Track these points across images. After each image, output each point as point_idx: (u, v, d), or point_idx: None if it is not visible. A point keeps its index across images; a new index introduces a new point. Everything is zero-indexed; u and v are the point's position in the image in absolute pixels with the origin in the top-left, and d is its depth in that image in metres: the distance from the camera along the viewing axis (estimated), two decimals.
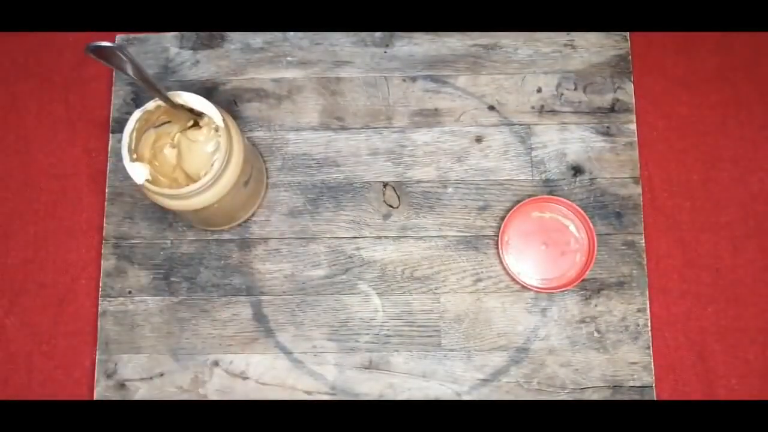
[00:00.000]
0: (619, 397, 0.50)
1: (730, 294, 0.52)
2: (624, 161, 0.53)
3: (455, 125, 0.54)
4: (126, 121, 0.45)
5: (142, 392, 0.51)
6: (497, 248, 0.52)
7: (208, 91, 0.55)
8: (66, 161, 0.55)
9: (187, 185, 0.44)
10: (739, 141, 0.55)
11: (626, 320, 0.51)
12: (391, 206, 0.53)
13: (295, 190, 0.54)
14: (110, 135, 0.55)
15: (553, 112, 0.54)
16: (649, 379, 0.50)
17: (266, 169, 0.54)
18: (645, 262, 0.52)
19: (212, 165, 0.45)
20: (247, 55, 0.56)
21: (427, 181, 0.54)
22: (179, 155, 0.47)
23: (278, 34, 0.56)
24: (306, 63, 0.56)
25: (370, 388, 0.51)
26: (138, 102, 0.55)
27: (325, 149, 0.54)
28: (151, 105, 0.45)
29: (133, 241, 0.53)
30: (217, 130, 0.46)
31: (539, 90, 0.55)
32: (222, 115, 0.45)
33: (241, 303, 0.52)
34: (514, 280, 0.52)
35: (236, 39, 0.56)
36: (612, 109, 0.54)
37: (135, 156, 0.45)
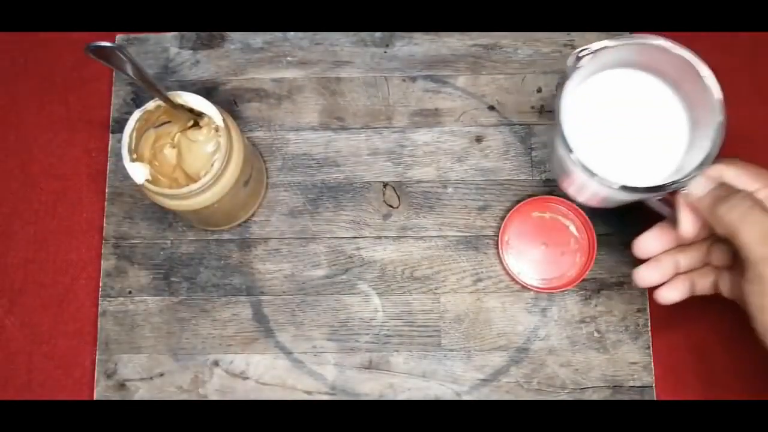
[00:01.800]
0: (619, 397, 0.50)
1: None
2: None
3: (455, 125, 0.54)
4: (126, 121, 0.45)
5: (142, 392, 0.51)
6: (497, 248, 0.52)
7: (208, 91, 0.55)
8: (66, 161, 0.55)
9: (187, 185, 0.44)
10: (739, 141, 0.55)
11: (626, 320, 0.51)
12: (391, 206, 0.53)
13: (295, 190, 0.54)
14: (110, 135, 0.55)
15: (554, 112, 0.54)
16: (649, 379, 0.50)
17: (266, 169, 0.54)
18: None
19: (212, 165, 0.45)
20: (247, 55, 0.56)
21: (427, 181, 0.54)
22: (179, 155, 0.47)
23: (278, 34, 0.56)
24: (306, 63, 0.56)
25: (370, 388, 0.51)
26: (138, 102, 0.55)
27: (325, 149, 0.54)
28: (151, 105, 0.45)
29: (133, 241, 0.53)
30: (217, 130, 0.46)
31: (539, 90, 0.55)
32: (222, 115, 0.45)
33: (241, 303, 0.52)
34: (514, 280, 0.52)
35: (236, 39, 0.56)
36: None
37: (135, 156, 0.45)
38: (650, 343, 0.51)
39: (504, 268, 0.52)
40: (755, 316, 0.37)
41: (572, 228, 0.52)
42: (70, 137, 0.56)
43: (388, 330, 0.52)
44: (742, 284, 0.37)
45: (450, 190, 0.53)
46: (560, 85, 0.40)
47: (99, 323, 0.52)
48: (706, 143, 0.39)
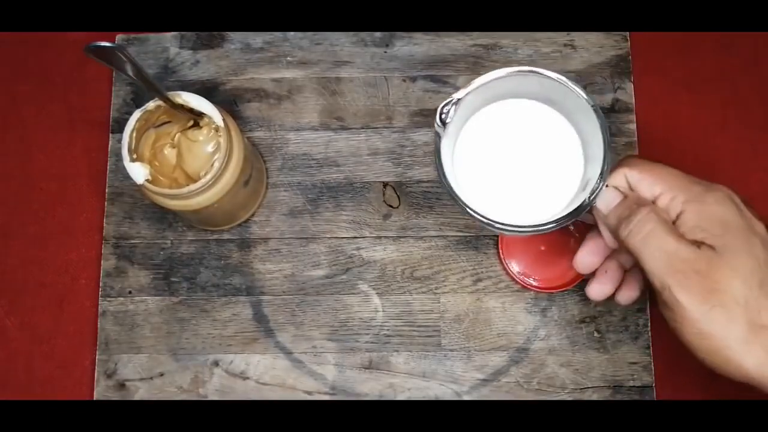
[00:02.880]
0: (619, 397, 0.50)
1: None
2: None
3: None
4: (126, 121, 0.45)
5: (141, 392, 0.51)
6: (497, 248, 0.52)
7: (208, 91, 0.55)
8: (66, 161, 0.55)
9: (187, 185, 0.44)
10: (739, 141, 0.55)
11: (626, 320, 0.51)
12: (391, 206, 0.53)
13: (295, 190, 0.54)
14: (110, 135, 0.55)
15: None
16: (649, 379, 0.50)
17: (266, 169, 0.54)
18: None
19: (212, 165, 0.45)
20: (247, 55, 0.56)
21: (427, 181, 0.54)
22: (179, 155, 0.47)
23: (278, 34, 0.56)
24: (306, 63, 0.56)
25: (370, 388, 0.51)
26: (138, 102, 0.55)
27: (325, 149, 0.54)
28: (151, 105, 0.45)
29: (133, 241, 0.53)
30: (217, 130, 0.46)
31: None
32: (222, 115, 0.45)
33: (241, 303, 0.52)
34: (514, 280, 0.52)
35: (236, 39, 0.56)
36: (612, 109, 0.54)
37: (135, 156, 0.45)
38: (650, 343, 0.51)
39: (504, 268, 0.52)
40: (677, 335, 0.36)
41: (572, 227, 0.52)
42: (70, 137, 0.56)
43: (388, 330, 0.52)
44: (658, 305, 0.36)
45: None
46: (436, 143, 0.38)
47: (99, 323, 0.52)
48: (598, 153, 0.37)
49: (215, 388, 0.51)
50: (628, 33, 0.55)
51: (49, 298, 0.53)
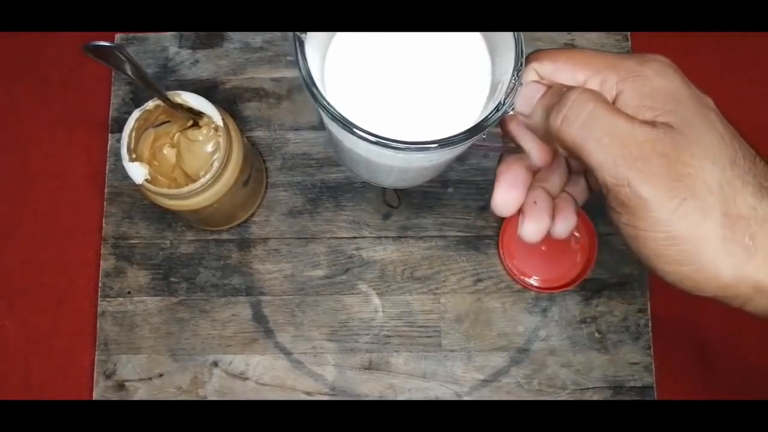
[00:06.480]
0: (620, 397, 0.50)
1: None
2: None
3: None
4: (125, 120, 0.45)
5: (141, 393, 0.51)
6: (498, 248, 0.52)
7: (207, 90, 0.55)
8: (64, 161, 0.55)
9: (187, 185, 0.44)
10: None
11: (627, 320, 0.51)
12: (391, 206, 0.53)
13: (295, 190, 0.54)
14: (109, 135, 0.55)
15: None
16: (649, 379, 0.50)
17: (266, 168, 0.54)
18: None
19: (211, 165, 0.44)
20: (247, 55, 0.56)
21: (427, 181, 0.53)
22: (178, 155, 0.47)
23: (277, 33, 0.56)
24: None
25: (370, 388, 0.51)
26: (137, 101, 0.55)
27: (324, 149, 0.54)
28: (150, 104, 0.45)
29: (132, 241, 0.53)
30: (216, 129, 0.46)
31: None
32: (221, 115, 0.45)
33: (240, 303, 0.52)
34: (514, 280, 0.51)
35: (235, 38, 0.56)
36: None
37: (134, 156, 0.45)
38: (651, 344, 0.51)
39: (504, 269, 0.52)
40: (630, 245, 0.29)
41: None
42: (69, 137, 0.55)
43: (388, 330, 0.51)
44: (607, 211, 0.28)
45: (450, 190, 0.53)
46: (296, 51, 0.30)
47: (98, 323, 0.52)
48: (507, 48, 0.29)
49: (215, 388, 0.51)
50: (628, 33, 0.55)
51: (48, 298, 0.53)
